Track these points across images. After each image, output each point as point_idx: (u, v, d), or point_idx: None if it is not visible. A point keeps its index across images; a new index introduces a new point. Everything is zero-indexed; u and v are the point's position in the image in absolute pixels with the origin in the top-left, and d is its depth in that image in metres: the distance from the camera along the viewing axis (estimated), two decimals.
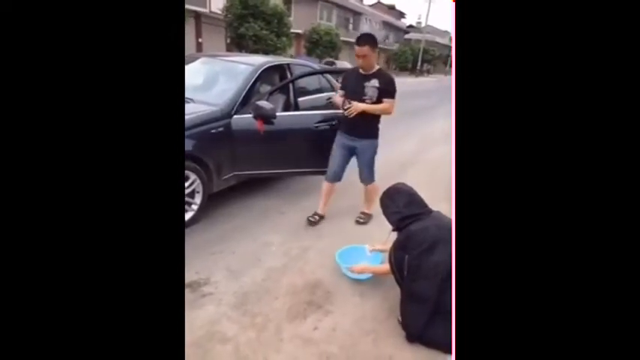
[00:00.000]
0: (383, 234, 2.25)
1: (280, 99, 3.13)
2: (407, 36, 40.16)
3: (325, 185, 2.61)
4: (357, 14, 28.49)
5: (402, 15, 43.09)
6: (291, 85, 3.26)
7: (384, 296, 1.85)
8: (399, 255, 1.62)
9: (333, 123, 2.73)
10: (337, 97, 2.47)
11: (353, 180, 3.27)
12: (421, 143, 5.40)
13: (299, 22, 19.74)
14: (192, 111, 2.35)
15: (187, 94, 2.63)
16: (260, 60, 3.10)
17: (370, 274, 1.94)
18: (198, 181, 2.32)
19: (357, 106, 2.25)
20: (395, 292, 1.88)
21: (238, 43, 13.43)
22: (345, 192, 3.15)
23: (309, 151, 2.80)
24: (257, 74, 2.81)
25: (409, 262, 1.57)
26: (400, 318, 1.63)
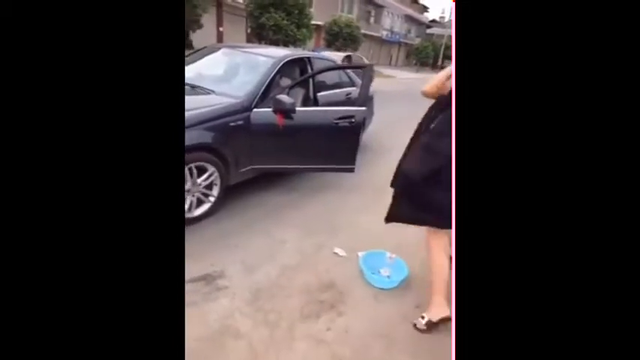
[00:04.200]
0: (397, 236, 2.22)
1: (300, 93, 3.11)
2: (429, 30, 39.31)
3: None
4: (379, 7, 28.03)
5: (424, 9, 42.19)
6: (311, 80, 3.23)
7: (398, 300, 1.83)
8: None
9: (353, 120, 2.69)
10: None
11: (366, 177, 3.25)
12: None
13: (320, 13, 19.53)
14: (213, 103, 2.35)
15: (208, 85, 2.63)
16: (281, 53, 3.07)
17: (395, 284, 1.91)
18: (216, 173, 2.33)
19: None
20: (409, 296, 1.86)
21: (258, 33, 13.41)
22: (361, 188, 3.12)
23: (328, 148, 2.77)
24: (278, 67, 2.79)
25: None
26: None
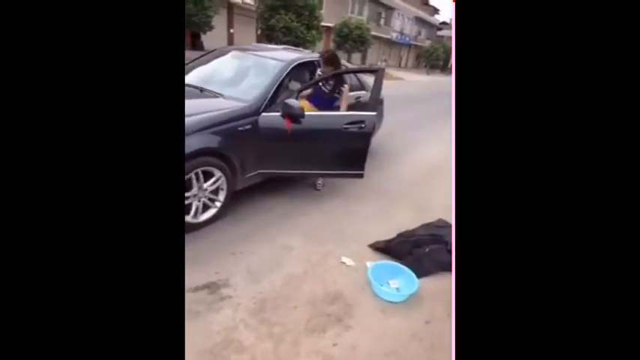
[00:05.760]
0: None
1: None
2: (439, 33, 39.03)
3: None
4: (389, 9, 27.90)
5: (435, 11, 41.88)
6: (320, 84, 3.17)
7: (407, 315, 1.76)
8: None
9: (363, 125, 2.63)
10: None
11: (375, 183, 3.21)
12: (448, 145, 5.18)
13: (330, 15, 19.49)
14: (221, 106, 2.32)
15: (217, 89, 2.60)
16: (291, 56, 3.03)
17: (404, 297, 1.84)
18: (222, 178, 2.29)
19: None
20: (418, 312, 1.79)
21: (268, 35, 13.42)
22: (370, 194, 3.05)
23: (337, 153, 2.71)
24: (287, 71, 2.75)
25: None
26: None
